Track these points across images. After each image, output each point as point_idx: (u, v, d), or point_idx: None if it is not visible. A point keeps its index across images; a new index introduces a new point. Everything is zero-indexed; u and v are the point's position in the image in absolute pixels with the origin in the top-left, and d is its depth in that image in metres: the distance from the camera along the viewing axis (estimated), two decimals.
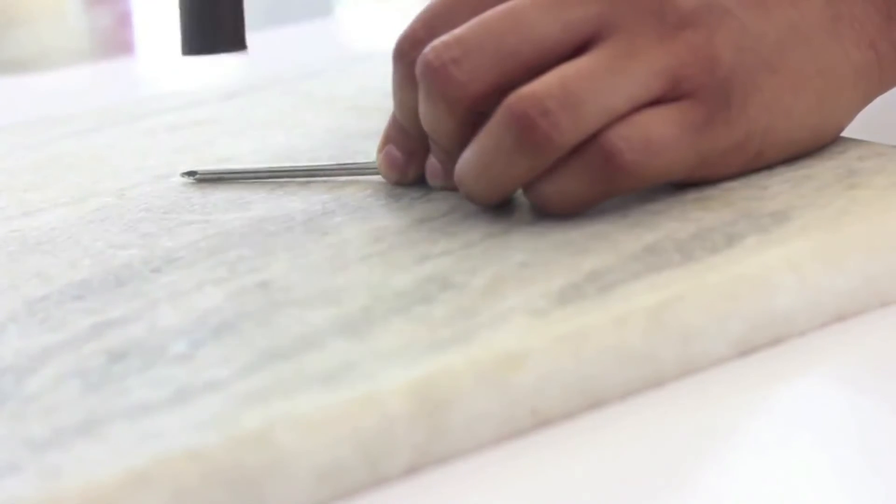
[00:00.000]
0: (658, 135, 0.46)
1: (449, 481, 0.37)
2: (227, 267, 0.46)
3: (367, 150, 0.59)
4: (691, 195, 0.47)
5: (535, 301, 0.41)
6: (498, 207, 0.49)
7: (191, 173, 0.57)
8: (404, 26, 0.50)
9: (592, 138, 0.46)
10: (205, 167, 0.57)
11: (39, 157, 0.64)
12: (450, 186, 0.51)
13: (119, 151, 0.63)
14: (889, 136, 0.52)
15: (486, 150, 0.47)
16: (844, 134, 0.51)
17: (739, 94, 0.47)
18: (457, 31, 0.47)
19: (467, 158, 0.48)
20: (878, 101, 0.52)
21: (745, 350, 0.42)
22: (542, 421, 0.39)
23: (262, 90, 0.74)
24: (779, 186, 0.47)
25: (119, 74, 0.95)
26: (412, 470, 0.37)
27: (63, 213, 0.54)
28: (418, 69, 0.48)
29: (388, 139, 0.53)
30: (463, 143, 0.48)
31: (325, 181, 0.55)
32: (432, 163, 0.51)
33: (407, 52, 0.49)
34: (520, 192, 0.49)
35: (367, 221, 0.49)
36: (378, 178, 0.54)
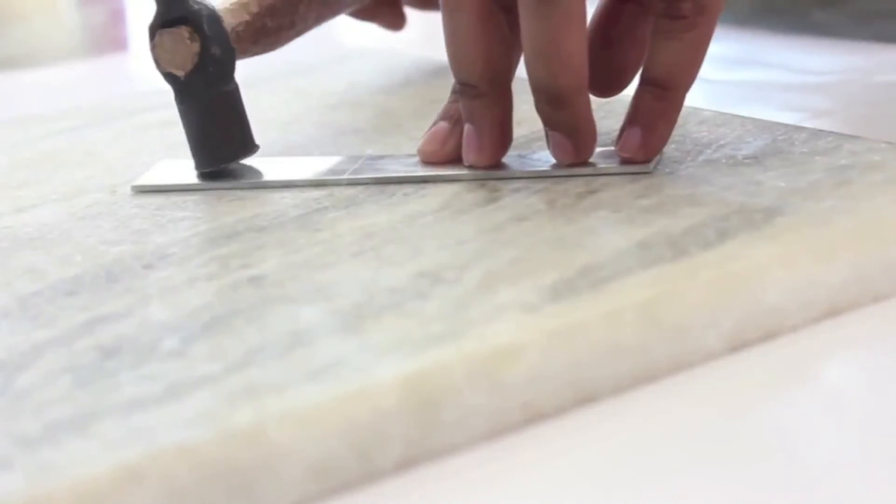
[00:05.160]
0: None
1: (441, 476, 0.37)
2: (218, 263, 0.46)
3: (358, 145, 0.59)
4: (684, 191, 0.47)
5: (527, 296, 0.41)
6: (490, 202, 0.49)
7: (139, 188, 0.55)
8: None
9: None
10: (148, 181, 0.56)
11: (32, 153, 0.64)
12: (482, 161, 0.51)
13: (111, 148, 0.63)
14: (881, 132, 0.52)
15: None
16: (837, 129, 0.51)
17: None
18: None
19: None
20: (871, 98, 0.52)
21: (737, 345, 0.42)
22: (534, 416, 0.39)
23: (253, 86, 0.74)
24: (771, 182, 0.47)
25: (112, 71, 0.95)
26: (404, 464, 0.37)
27: (55, 209, 0.54)
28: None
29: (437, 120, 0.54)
30: (490, 58, 0.50)
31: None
32: (468, 132, 0.51)
33: None
34: (514, 189, 0.49)
35: (360, 217, 0.49)
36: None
